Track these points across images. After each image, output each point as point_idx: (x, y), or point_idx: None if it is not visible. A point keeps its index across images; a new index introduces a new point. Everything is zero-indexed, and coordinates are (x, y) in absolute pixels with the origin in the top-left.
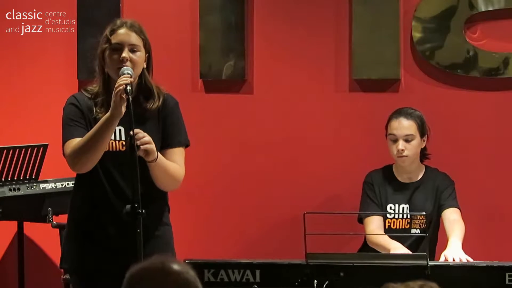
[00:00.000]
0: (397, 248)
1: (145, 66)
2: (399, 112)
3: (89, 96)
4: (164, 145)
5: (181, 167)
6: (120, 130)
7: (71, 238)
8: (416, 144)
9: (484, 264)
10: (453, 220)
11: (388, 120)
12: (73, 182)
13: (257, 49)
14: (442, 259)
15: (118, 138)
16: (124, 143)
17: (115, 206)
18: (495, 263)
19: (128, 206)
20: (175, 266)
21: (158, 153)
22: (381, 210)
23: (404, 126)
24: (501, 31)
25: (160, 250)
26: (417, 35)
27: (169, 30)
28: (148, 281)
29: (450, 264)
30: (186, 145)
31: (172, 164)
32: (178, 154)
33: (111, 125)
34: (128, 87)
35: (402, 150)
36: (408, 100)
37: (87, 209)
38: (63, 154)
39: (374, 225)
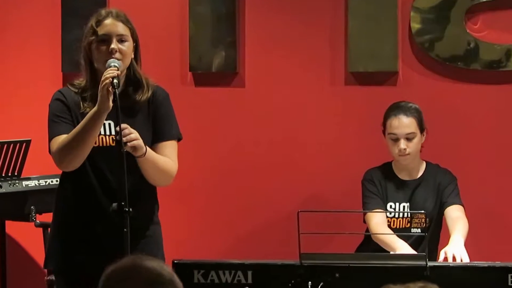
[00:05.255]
0: (403, 248)
1: (133, 56)
2: (397, 109)
3: (76, 90)
4: (155, 139)
5: (173, 161)
6: (110, 124)
7: (57, 237)
8: (417, 141)
9: (486, 265)
10: (455, 217)
11: (385, 117)
12: (58, 179)
13: (249, 40)
14: (441, 255)
15: (108, 132)
16: (113, 137)
17: (103, 204)
18: (497, 263)
19: (114, 204)
20: (148, 263)
21: (147, 147)
22: (385, 205)
23: (405, 124)
24: (503, 22)
25: (150, 251)
26: (415, 26)
27: (157, 21)
28: (120, 281)
29: (450, 264)
30: (178, 138)
31: (163, 159)
32: (170, 147)
33: (98, 119)
34: (115, 80)
35: (404, 149)
36: (406, 94)
37: (73, 207)
38: (49, 151)
39: (377, 219)
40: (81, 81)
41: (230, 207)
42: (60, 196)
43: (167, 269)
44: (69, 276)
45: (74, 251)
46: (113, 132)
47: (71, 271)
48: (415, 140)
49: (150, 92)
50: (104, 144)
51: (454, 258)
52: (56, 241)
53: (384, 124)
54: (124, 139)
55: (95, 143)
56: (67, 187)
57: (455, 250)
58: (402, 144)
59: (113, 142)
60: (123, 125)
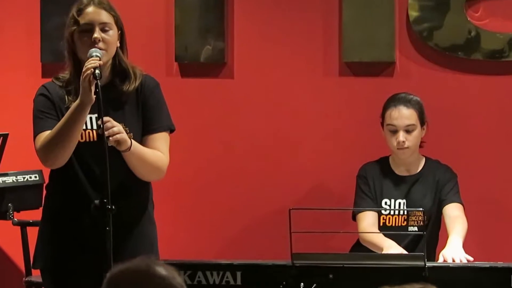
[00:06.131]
0: (391, 246)
1: (118, 45)
2: (397, 99)
3: (61, 84)
4: (145, 131)
5: (164, 154)
6: (95, 118)
7: (45, 235)
8: (417, 134)
9: (487, 265)
10: (454, 217)
11: (384, 108)
12: (36, 175)
13: (238, 29)
14: (440, 259)
15: (94, 127)
16: (97, 132)
17: (92, 200)
18: (499, 264)
19: (96, 201)
20: (161, 271)
21: (133, 141)
22: (376, 206)
23: (405, 115)
24: (506, 9)
25: (143, 251)
26: (413, 13)
27: (141, 9)
28: (130, 284)
29: (450, 265)
30: (170, 129)
31: (152, 152)
32: (161, 140)
33: (81, 113)
34: (97, 71)
35: (403, 142)
36: (404, 85)
37: (61, 205)
38: (35, 149)
39: (367, 221)
40: (65, 74)
41: (219, 204)
42: (48, 193)
43: (178, 278)
44: (57, 275)
45: (64, 250)
46: (95, 127)
47: (59, 270)
48: (415, 133)
49: (138, 82)
50: (90, 139)
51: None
52: (44, 240)
53: (382, 116)
54: (106, 133)
55: (81, 139)
56: (56, 184)
57: (454, 254)
58: (401, 136)
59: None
60: (106, 118)
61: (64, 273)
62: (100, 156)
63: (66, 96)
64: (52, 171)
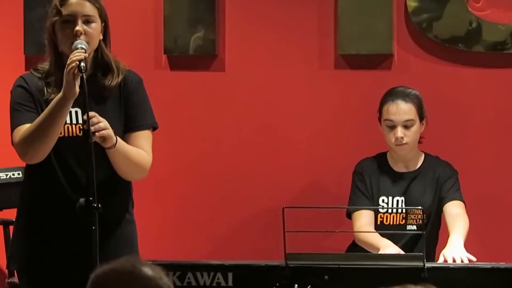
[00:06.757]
0: (387, 246)
1: (101, 38)
2: (395, 94)
3: (40, 75)
4: (127, 129)
5: (147, 153)
6: (76, 112)
7: (21, 236)
8: (416, 129)
9: (489, 266)
10: (455, 214)
11: (382, 102)
12: (19, 172)
13: (229, 20)
14: (441, 259)
15: (74, 121)
16: (81, 126)
17: (69, 199)
18: (502, 264)
19: (82, 200)
20: (148, 271)
21: (118, 138)
22: (372, 204)
23: (403, 110)
24: (508, 0)
25: (124, 252)
26: (412, 4)
27: None
28: (117, 285)
29: (450, 266)
30: (153, 127)
31: (136, 150)
32: (144, 138)
33: (64, 107)
34: (82, 64)
35: (402, 137)
36: (402, 78)
37: (38, 203)
38: (12, 143)
39: (363, 220)
40: (45, 65)
41: (210, 203)
42: (24, 191)
43: (165, 279)
44: (34, 277)
45: (39, 250)
46: (80, 121)
47: (36, 272)
48: (414, 129)
49: (120, 77)
50: (70, 134)
51: (454, 262)
52: (20, 240)
53: (380, 110)
54: (92, 128)
55: (60, 133)
56: (31, 181)
57: (455, 253)
58: (399, 132)
59: (80, 132)
60: (91, 113)
61: (40, 274)
62: (80, 152)
63: (45, 88)
64: (27, 167)
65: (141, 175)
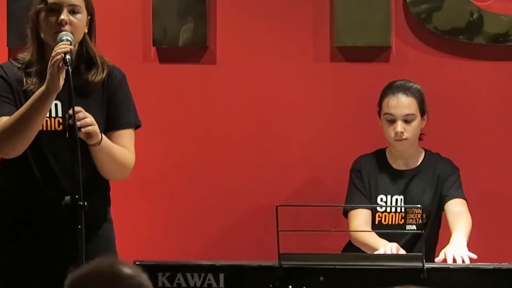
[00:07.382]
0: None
1: (86, 30)
2: (396, 87)
3: (19, 65)
4: (110, 127)
5: (130, 152)
6: (56, 105)
7: None
8: (416, 124)
9: (491, 267)
10: (457, 212)
11: (382, 96)
12: None
13: (220, 10)
14: (441, 256)
15: (54, 114)
16: (60, 120)
17: (48, 198)
18: (504, 265)
19: (67, 198)
20: (126, 270)
21: (102, 134)
22: (370, 203)
23: (404, 104)
24: None
25: (102, 252)
26: None
27: None
28: (97, 287)
29: (450, 266)
30: (136, 126)
31: (120, 149)
32: (126, 137)
33: (46, 100)
34: (68, 56)
35: (402, 132)
36: (400, 71)
37: (13, 203)
38: None
39: (359, 220)
40: (25, 55)
41: (200, 201)
42: None
43: (144, 275)
44: (10, 280)
45: (15, 254)
46: (59, 114)
47: (12, 275)
48: (414, 124)
49: (105, 73)
50: (49, 128)
51: (454, 260)
52: None
53: (380, 104)
54: (78, 123)
55: (41, 127)
56: (6, 178)
57: (456, 251)
58: (399, 126)
59: (59, 126)
60: (77, 108)
61: (17, 276)
62: (59, 148)
63: (24, 79)
64: (1, 164)
65: (124, 175)
